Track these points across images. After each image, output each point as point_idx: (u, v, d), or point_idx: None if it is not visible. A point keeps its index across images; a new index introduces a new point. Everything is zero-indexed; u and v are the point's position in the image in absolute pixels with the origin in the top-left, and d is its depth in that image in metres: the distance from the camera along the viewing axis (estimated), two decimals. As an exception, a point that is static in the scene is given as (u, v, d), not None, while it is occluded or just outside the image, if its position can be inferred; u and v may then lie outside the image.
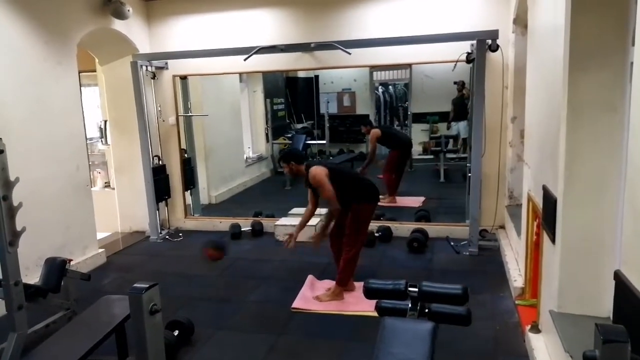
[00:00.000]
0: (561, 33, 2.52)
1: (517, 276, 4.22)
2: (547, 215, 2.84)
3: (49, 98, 4.80)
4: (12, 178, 2.82)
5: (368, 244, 5.51)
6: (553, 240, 2.70)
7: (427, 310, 2.27)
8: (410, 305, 2.28)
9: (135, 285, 2.28)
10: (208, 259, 4.81)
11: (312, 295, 4.26)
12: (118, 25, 5.65)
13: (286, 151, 4.69)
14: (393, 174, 7.21)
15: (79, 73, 5.35)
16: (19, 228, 2.86)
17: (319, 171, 4.12)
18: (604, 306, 2.43)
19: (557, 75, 2.65)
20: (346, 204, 4.17)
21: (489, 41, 4.91)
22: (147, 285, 2.25)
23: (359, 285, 4.30)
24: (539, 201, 3.24)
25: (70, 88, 5.11)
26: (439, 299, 2.27)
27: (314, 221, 5.90)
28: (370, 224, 5.83)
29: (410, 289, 2.28)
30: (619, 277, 1.79)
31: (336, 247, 4.42)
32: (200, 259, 4.99)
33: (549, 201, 2.78)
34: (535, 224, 3.53)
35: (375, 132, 7.26)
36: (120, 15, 5.46)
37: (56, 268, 3.57)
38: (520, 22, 4.89)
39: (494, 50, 4.95)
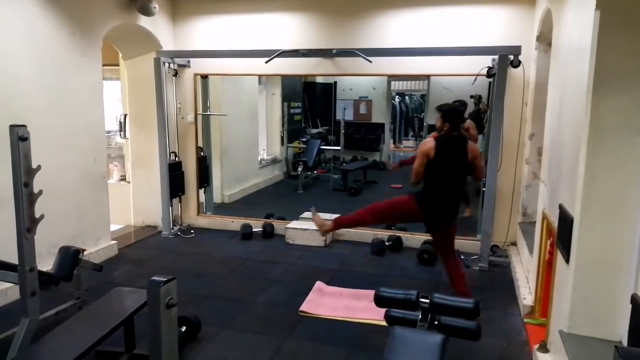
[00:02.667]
0: (586, 53, 2.51)
1: (527, 294, 4.18)
2: (562, 234, 2.82)
3: (71, 89, 4.87)
4: (33, 165, 2.88)
5: (378, 252, 5.53)
6: (567, 260, 2.68)
7: (436, 323, 2.27)
8: (420, 317, 2.28)
9: (153, 278, 2.31)
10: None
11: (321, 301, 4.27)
12: (144, 21, 5.72)
13: (456, 108, 4.09)
14: None
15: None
16: (37, 215, 2.91)
17: (426, 145, 3.83)
18: (616, 329, 2.41)
19: (579, 95, 2.64)
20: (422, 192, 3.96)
21: (511, 57, 4.90)
22: (166, 279, 2.27)
23: (368, 292, 4.30)
24: (554, 220, 3.22)
25: (93, 80, 5.18)
26: (450, 312, 2.27)
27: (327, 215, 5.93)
28: (382, 232, 5.90)
29: (422, 299, 2.28)
30: (635, 301, 1.78)
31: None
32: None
33: (565, 220, 2.76)
34: (549, 242, 3.51)
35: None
36: (147, 11, 5.53)
37: (70, 257, 3.61)
38: (544, 39, 4.87)
39: (516, 66, 4.93)
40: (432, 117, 10.29)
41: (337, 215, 4.40)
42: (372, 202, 4.22)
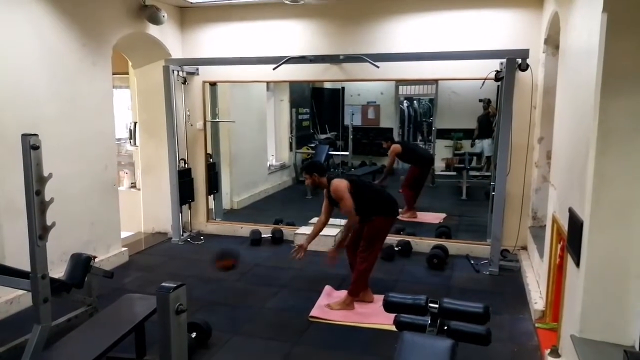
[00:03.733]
0: (594, 56, 2.51)
1: (537, 298, 4.15)
2: (573, 238, 2.81)
3: (82, 98, 4.93)
4: (45, 174, 2.91)
5: (387, 257, 5.51)
6: (577, 264, 2.66)
7: (446, 328, 2.26)
8: (429, 322, 2.27)
9: (163, 284, 2.32)
10: (223, 269, 5.09)
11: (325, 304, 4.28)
12: (153, 30, 5.78)
13: (309, 163, 4.88)
14: (412, 189, 7.21)
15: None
16: (48, 223, 2.94)
17: (340, 184, 4.20)
18: (628, 334, 2.39)
19: (588, 98, 2.64)
20: (365, 217, 4.20)
21: (519, 60, 4.89)
22: (175, 285, 2.29)
23: (378, 297, 4.30)
24: (564, 223, 3.20)
25: (104, 89, 5.24)
26: (460, 317, 2.26)
27: (333, 231, 5.94)
28: (390, 237, 5.89)
29: (431, 304, 2.27)
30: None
31: (353, 258, 4.44)
32: (216, 269, 5.20)
33: (575, 224, 2.75)
34: (559, 246, 3.49)
35: (395, 147, 7.28)
36: (156, 20, 5.59)
37: (81, 264, 3.64)
38: (552, 42, 4.86)
39: (524, 70, 4.92)
40: (441, 122, 10.32)
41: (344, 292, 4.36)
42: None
